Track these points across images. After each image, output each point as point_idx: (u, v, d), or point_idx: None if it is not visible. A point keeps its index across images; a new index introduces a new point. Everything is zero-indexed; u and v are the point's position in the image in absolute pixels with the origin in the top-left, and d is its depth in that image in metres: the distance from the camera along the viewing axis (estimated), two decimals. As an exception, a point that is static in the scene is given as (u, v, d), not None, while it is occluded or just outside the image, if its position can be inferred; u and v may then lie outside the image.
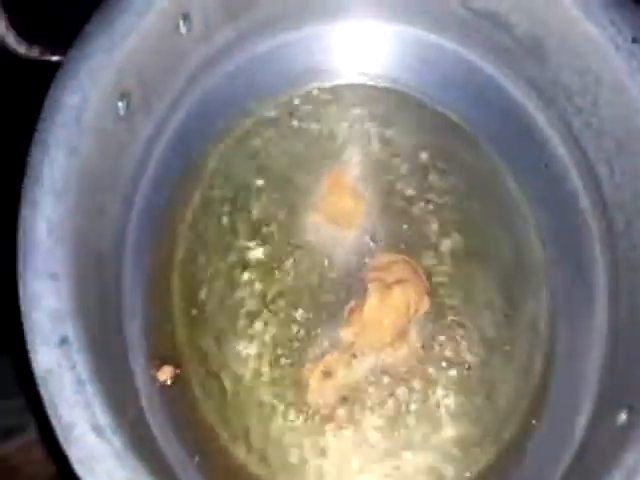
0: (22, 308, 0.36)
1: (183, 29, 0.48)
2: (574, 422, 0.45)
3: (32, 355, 0.35)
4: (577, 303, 0.49)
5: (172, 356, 0.47)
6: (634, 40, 0.45)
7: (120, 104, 0.45)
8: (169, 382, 0.46)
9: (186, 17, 0.48)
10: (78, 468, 0.33)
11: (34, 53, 0.46)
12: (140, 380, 0.45)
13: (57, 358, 0.36)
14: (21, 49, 0.46)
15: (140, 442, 0.37)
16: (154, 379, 0.46)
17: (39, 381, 0.35)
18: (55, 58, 0.45)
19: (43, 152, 0.40)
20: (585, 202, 0.50)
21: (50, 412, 0.34)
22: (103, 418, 0.35)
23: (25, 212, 0.39)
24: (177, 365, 0.47)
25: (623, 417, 0.40)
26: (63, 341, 0.36)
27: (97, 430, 0.34)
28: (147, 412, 0.44)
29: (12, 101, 0.53)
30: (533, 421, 0.47)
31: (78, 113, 0.41)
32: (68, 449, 0.34)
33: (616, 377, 0.44)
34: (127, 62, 0.44)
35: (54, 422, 0.34)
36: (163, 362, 0.47)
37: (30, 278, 0.37)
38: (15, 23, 0.46)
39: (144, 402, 0.44)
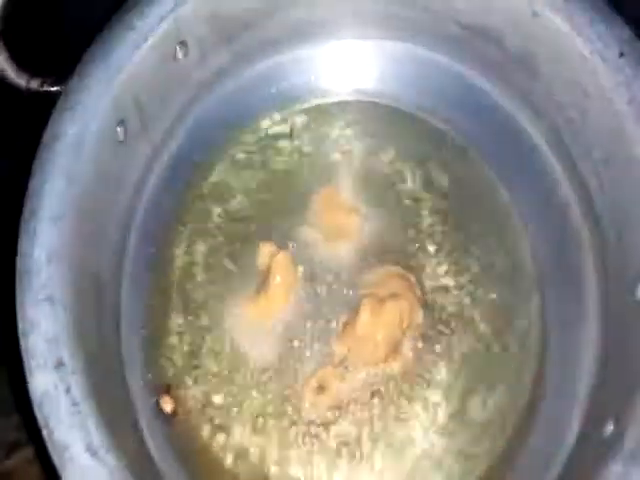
0: (20, 332, 0.38)
1: (180, 55, 0.49)
2: (564, 433, 0.45)
3: (28, 378, 0.37)
4: (568, 314, 0.49)
5: (172, 380, 0.48)
6: (621, 54, 0.45)
7: (119, 129, 0.46)
8: (170, 410, 0.47)
9: (183, 44, 0.49)
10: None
11: (34, 85, 0.47)
12: (138, 402, 0.46)
13: (53, 381, 0.37)
14: (21, 81, 0.47)
15: (136, 462, 0.38)
16: (155, 407, 0.47)
17: (35, 403, 0.36)
18: (55, 89, 0.47)
19: (42, 180, 0.42)
20: (576, 213, 0.50)
21: (45, 434, 0.36)
22: (98, 439, 0.36)
23: (24, 238, 0.40)
24: (176, 388, 0.48)
25: (610, 428, 0.40)
26: (59, 364, 0.37)
27: (91, 450, 0.36)
28: (145, 432, 0.45)
29: (12, 132, 0.55)
30: (524, 431, 0.47)
31: (77, 141, 0.43)
32: (62, 469, 0.35)
33: (605, 388, 0.44)
34: (125, 90, 0.46)
35: (48, 443, 0.35)
36: (164, 389, 0.48)
37: (28, 303, 0.38)
38: (14, 55, 0.47)
39: (142, 423, 0.45)
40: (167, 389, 0.48)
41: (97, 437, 0.36)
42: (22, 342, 0.38)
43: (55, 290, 0.39)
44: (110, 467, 0.36)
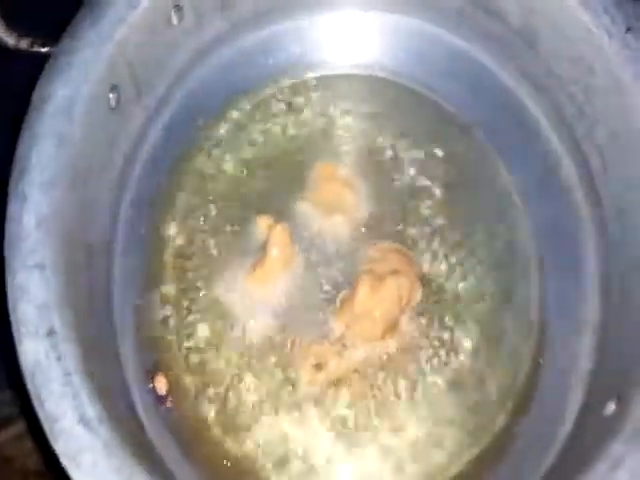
0: (9, 299, 0.36)
1: (175, 20, 0.48)
2: (564, 411, 0.45)
3: (18, 346, 0.35)
4: (568, 291, 0.49)
5: (165, 353, 0.47)
6: (628, 29, 0.44)
7: (111, 96, 0.45)
8: (163, 387, 0.46)
9: (178, 8, 0.48)
10: (64, 460, 0.33)
11: (23, 44, 0.45)
12: (131, 378, 0.44)
13: (44, 349, 0.35)
14: (10, 40, 0.45)
15: (129, 433, 0.37)
16: (149, 381, 0.46)
17: (25, 373, 0.35)
18: (45, 50, 0.45)
19: (32, 142, 0.40)
20: (578, 191, 0.50)
21: (36, 404, 0.34)
22: (91, 409, 0.35)
23: (13, 202, 0.39)
24: (169, 362, 0.47)
25: (612, 407, 0.40)
26: (50, 332, 0.36)
27: (84, 421, 0.34)
28: (137, 404, 0.44)
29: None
30: (523, 410, 0.47)
31: (68, 104, 0.41)
32: (54, 441, 0.34)
33: (606, 366, 0.44)
34: (118, 54, 0.44)
35: (40, 414, 0.34)
36: (156, 365, 0.47)
37: (17, 269, 0.37)
38: (4, 14, 0.45)
39: (134, 394, 0.44)
40: (160, 364, 0.47)
41: (90, 408, 0.35)
42: (11, 309, 0.36)
43: (45, 256, 0.38)
44: (104, 439, 0.34)
